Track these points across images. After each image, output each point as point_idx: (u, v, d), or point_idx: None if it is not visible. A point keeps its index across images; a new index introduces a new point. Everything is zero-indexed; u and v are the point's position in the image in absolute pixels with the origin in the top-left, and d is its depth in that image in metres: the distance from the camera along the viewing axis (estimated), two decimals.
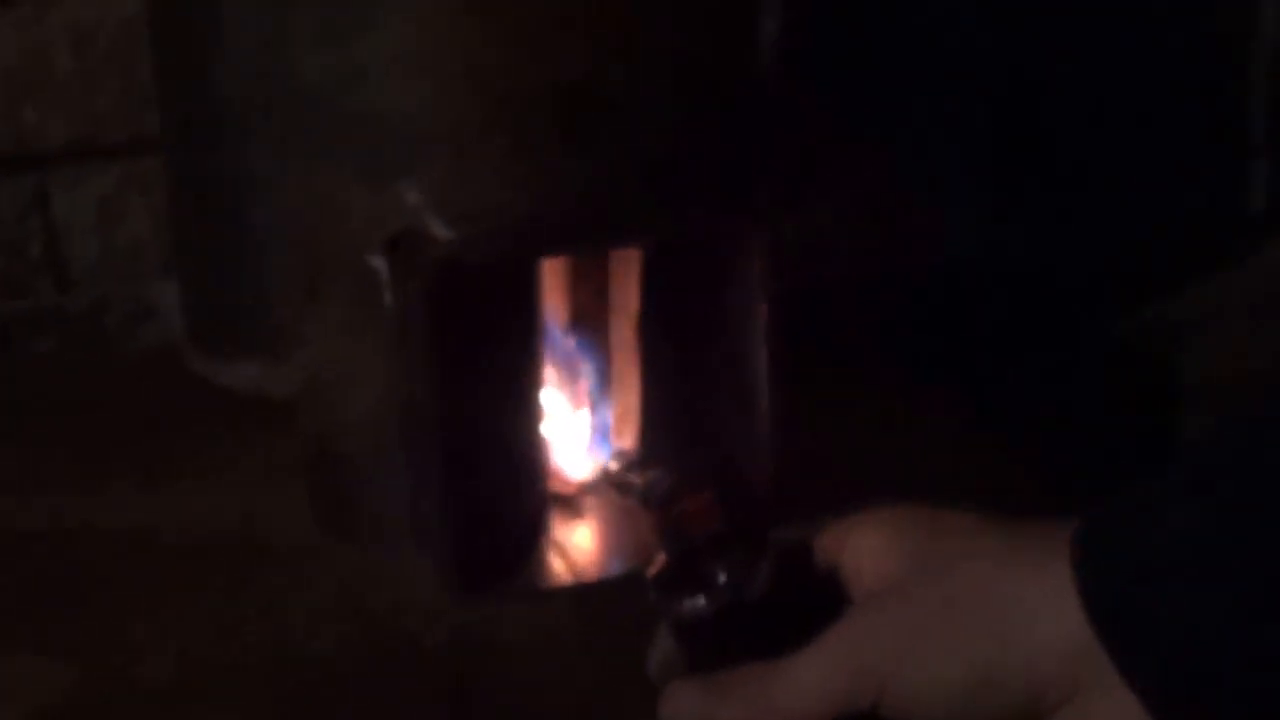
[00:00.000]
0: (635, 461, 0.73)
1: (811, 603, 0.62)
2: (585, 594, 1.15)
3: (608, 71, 1.03)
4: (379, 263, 1.05)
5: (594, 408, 1.20)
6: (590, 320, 1.19)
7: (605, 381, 1.19)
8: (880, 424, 1.37)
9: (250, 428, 1.34)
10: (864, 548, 0.64)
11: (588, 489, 1.21)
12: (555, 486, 1.21)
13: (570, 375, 1.20)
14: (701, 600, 0.63)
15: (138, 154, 1.65)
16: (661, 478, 0.68)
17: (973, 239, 1.67)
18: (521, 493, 1.13)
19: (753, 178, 1.12)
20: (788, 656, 0.61)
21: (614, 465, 0.77)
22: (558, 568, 1.17)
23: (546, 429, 1.16)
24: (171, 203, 1.34)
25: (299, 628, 1.12)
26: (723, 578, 0.63)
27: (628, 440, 1.20)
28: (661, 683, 0.66)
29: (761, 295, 1.14)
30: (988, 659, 0.57)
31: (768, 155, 1.13)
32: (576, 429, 1.21)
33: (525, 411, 1.12)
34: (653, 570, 0.65)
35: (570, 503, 1.22)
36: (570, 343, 1.19)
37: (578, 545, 1.19)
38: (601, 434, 1.20)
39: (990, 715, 0.57)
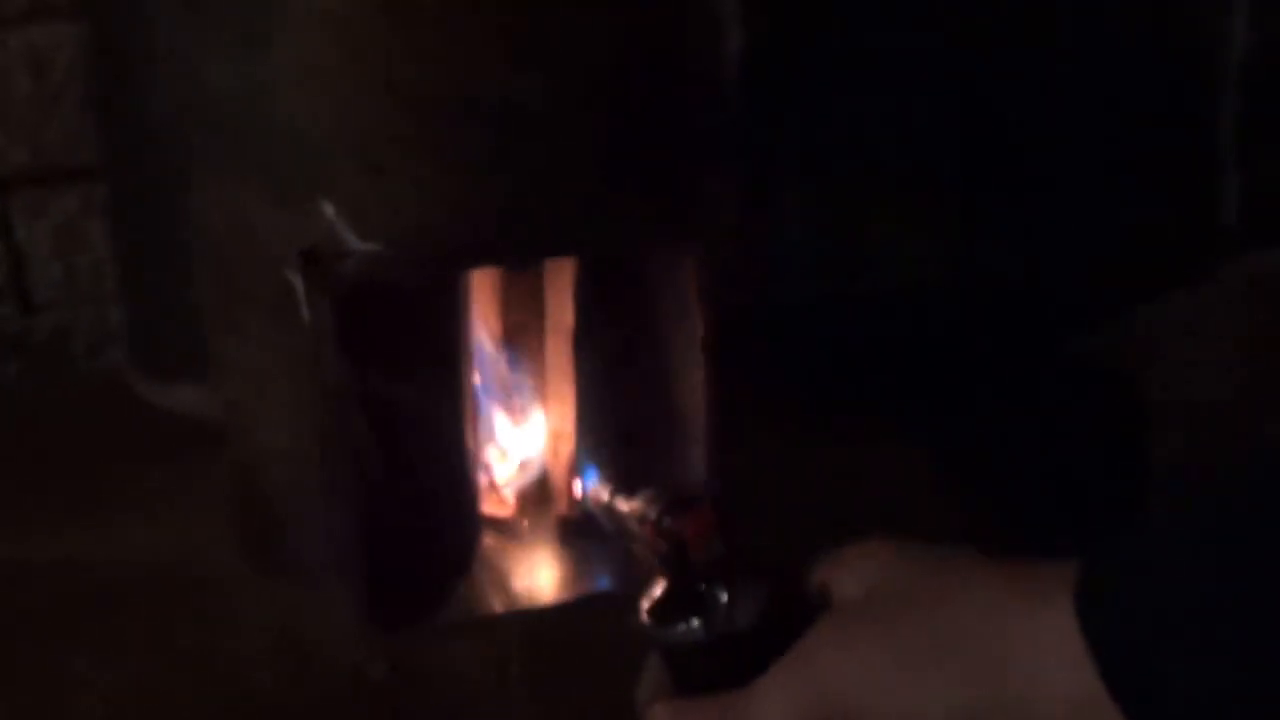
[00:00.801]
0: (622, 486, 0.69)
1: (804, 627, 0.58)
2: (533, 622, 1.10)
3: (528, 84, 0.99)
4: (294, 278, 1.01)
5: (555, 436, 1.16)
6: (524, 337, 1.16)
7: (540, 399, 1.15)
8: (839, 450, 1.33)
9: (191, 456, 1.29)
10: (857, 573, 0.60)
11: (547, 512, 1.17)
12: (491, 510, 1.17)
13: (504, 393, 1.16)
14: (698, 624, 0.59)
15: (97, 178, 1.62)
16: (657, 499, 0.65)
17: (937, 258, 1.63)
18: (449, 519, 1.10)
19: (685, 195, 1.08)
20: (755, 682, 0.57)
21: (601, 490, 0.72)
22: (493, 596, 1.12)
23: (478, 450, 1.13)
24: (113, 227, 1.31)
25: (237, 662, 1.08)
26: (722, 601, 0.59)
27: (562, 458, 1.16)
28: (644, 709, 0.62)
29: (698, 314, 1.10)
30: (979, 701, 0.53)
31: (703, 173, 1.09)
32: (513, 448, 1.17)
33: (452, 433, 1.08)
34: (649, 596, 0.61)
35: (507, 526, 1.18)
36: (503, 360, 1.15)
37: (517, 571, 1.16)
38: (582, 459, 1.16)
39: None
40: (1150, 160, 1.66)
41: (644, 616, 0.61)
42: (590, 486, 0.75)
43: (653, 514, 0.64)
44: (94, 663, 1.08)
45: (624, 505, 0.67)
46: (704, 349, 1.11)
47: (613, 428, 1.15)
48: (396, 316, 1.04)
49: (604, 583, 1.13)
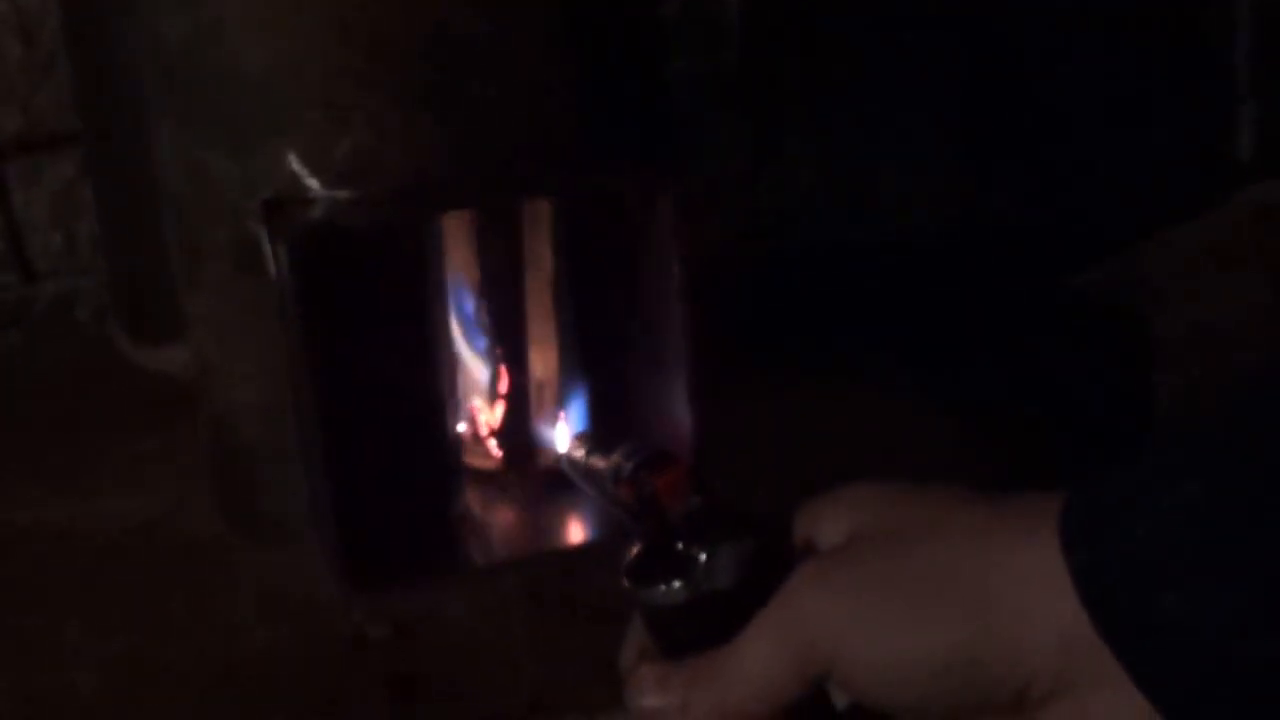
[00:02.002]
0: (598, 443, 0.66)
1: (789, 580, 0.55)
2: (529, 573, 1.07)
3: (488, 19, 0.95)
4: (257, 228, 0.97)
5: (539, 385, 1.12)
6: (503, 284, 1.11)
7: (521, 346, 1.11)
8: (845, 396, 1.29)
9: (180, 419, 1.24)
10: (840, 520, 0.56)
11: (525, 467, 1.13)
12: (475, 462, 1.12)
13: (484, 343, 1.11)
14: (678, 585, 0.55)
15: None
16: (631, 456, 0.62)
17: (944, 202, 1.59)
18: (428, 473, 1.06)
19: (662, 135, 1.04)
20: (739, 636, 0.54)
21: (576, 448, 0.68)
22: (479, 549, 1.09)
23: (459, 402, 1.08)
24: (94, 189, 1.28)
25: (231, 626, 1.05)
26: (701, 559, 0.55)
27: (546, 406, 1.12)
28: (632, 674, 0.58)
29: (677, 258, 1.05)
30: (967, 641, 0.50)
31: (681, 111, 1.04)
32: (494, 399, 1.13)
33: (428, 384, 1.04)
34: (628, 556, 0.57)
35: (492, 479, 1.14)
36: (482, 308, 1.11)
37: (503, 523, 1.12)
38: (559, 414, 1.12)
39: (963, 703, 0.51)
40: (1164, 94, 1.61)
41: (622, 577, 0.57)
42: (563, 444, 0.72)
43: (626, 471, 0.61)
44: (86, 630, 1.06)
45: (598, 463, 0.64)
46: (683, 294, 1.06)
47: (595, 376, 1.10)
48: (366, 265, 0.99)
49: (595, 533, 1.09)
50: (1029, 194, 1.61)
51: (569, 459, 0.69)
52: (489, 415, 1.13)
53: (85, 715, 0.99)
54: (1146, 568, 0.47)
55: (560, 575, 1.06)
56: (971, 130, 1.62)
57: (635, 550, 0.57)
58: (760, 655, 0.53)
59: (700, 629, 0.55)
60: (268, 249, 0.98)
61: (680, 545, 0.55)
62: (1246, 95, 1.61)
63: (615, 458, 0.62)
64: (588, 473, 0.65)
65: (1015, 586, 0.49)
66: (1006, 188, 1.61)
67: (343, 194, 0.95)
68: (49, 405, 1.39)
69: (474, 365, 1.12)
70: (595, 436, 0.67)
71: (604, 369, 1.10)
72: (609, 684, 0.59)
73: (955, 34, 1.60)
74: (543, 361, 1.12)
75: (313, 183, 0.95)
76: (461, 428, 1.10)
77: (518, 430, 1.13)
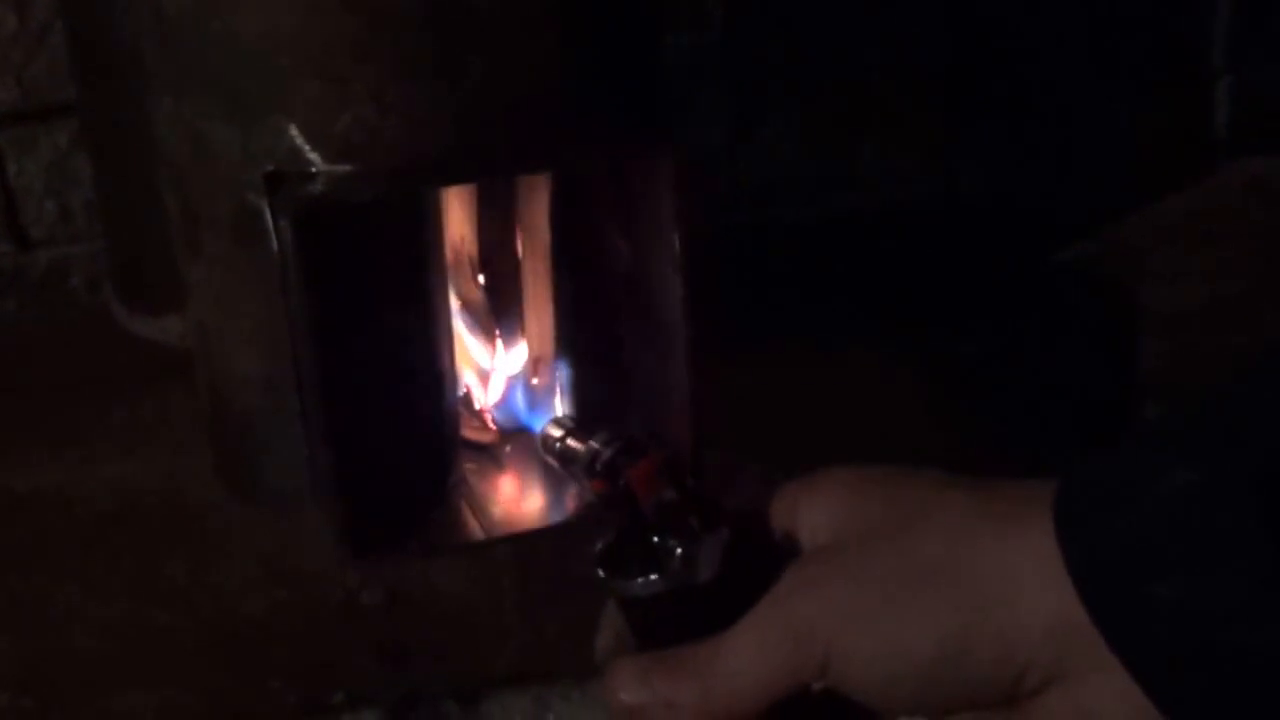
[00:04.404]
0: (576, 427, 0.64)
1: (768, 570, 0.52)
2: (523, 546, 1.05)
3: None
4: (258, 200, 0.94)
5: (535, 358, 1.09)
6: (502, 257, 1.08)
7: (519, 321, 1.08)
8: (826, 370, 1.27)
9: (176, 387, 1.22)
10: (819, 509, 0.53)
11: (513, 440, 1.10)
12: (472, 435, 1.10)
13: (482, 316, 1.09)
14: (655, 577, 0.53)
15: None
16: (609, 444, 0.59)
17: (925, 175, 1.56)
18: (426, 444, 1.03)
19: (659, 107, 1.01)
20: (725, 632, 0.51)
21: (553, 432, 0.66)
22: (476, 521, 1.06)
23: (457, 375, 1.06)
24: (91, 159, 1.25)
25: (228, 592, 1.03)
26: (677, 551, 0.53)
27: (542, 379, 1.09)
28: (607, 665, 0.56)
29: (677, 230, 1.02)
30: (958, 633, 0.48)
31: (676, 84, 1.01)
32: (492, 372, 1.10)
33: (427, 356, 1.02)
34: (599, 546, 0.55)
35: (490, 451, 1.11)
36: (480, 282, 1.08)
37: (500, 496, 1.09)
38: (539, 393, 1.09)
39: (956, 697, 0.49)
40: (1142, 68, 1.59)
41: (595, 567, 0.54)
42: (542, 429, 0.69)
43: (602, 458, 0.59)
44: (84, 595, 1.04)
45: (575, 447, 0.62)
46: (683, 266, 1.03)
47: (593, 348, 1.08)
48: (365, 237, 0.97)
49: (588, 506, 1.07)
50: (1008, 167, 1.59)
51: (545, 442, 0.67)
52: (486, 388, 1.11)
53: (83, 678, 0.97)
54: (1143, 554, 0.45)
55: (552, 546, 1.04)
56: (953, 104, 1.60)
57: (608, 539, 0.55)
58: (751, 653, 0.50)
59: (677, 621, 0.53)
60: (269, 222, 0.95)
61: (655, 536, 0.53)
62: (1224, 69, 1.59)
63: (592, 444, 0.60)
64: (564, 457, 0.63)
65: (1006, 575, 0.48)
66: (986, 161, 1.59)
67: (344, 168, 0.93)
68: (45, 373, 1.37)
69: (472, 338, 1.09)
70: (572, 420, 0.65)
71: (601, 341, 1.08)
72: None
73: (936, 7, 1.57)
74: (540, 334, 1.10)
75: (314, 156, 0.92)
76: (458, 400, 1.08)
77: (514, 403, 1.11)
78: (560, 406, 1.09)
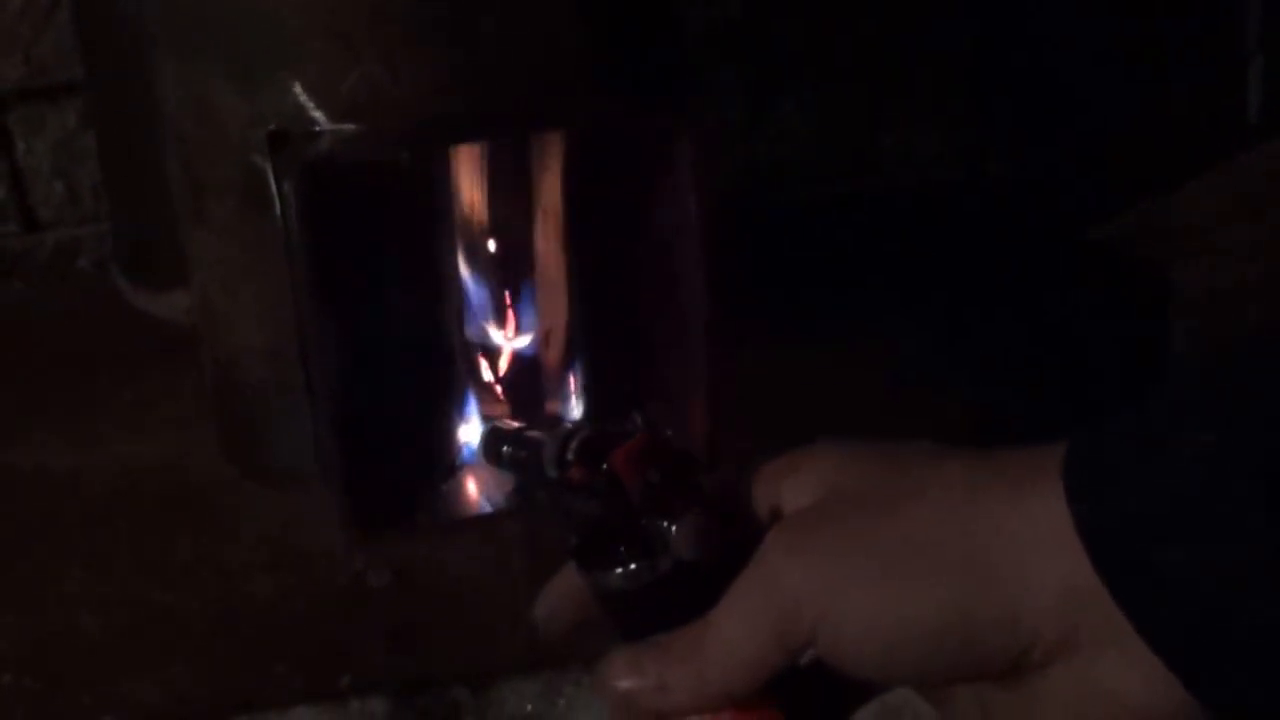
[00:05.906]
0: (521, 429, 0.56)
1: (753, 549, 0.49)
2: (533, 521, 1.01)
3: None
4: (262, 162, 0.90)
5: (547, 331, 1.05)
6: (514, 223, 1.04)
7: (530, 291, 1.04)
8: (842, 348, 1.23)
9: (183, 364, 1.19)
10: (803, 488, 0.50)
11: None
12: (483, 408, 1.06)
13: (493, 286, 1.05)
14: (640, 566, 0.49)
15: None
16: (582, 429, 0.53)
17: (949, 156, 1.53)
18: (435, 418, 0.99)
19: (671, 68, 0.97)
20: (712, 611, 0.48)
21: (497, 439, 0.57)
22: (484, 496, 1.03)
23: (467, 346, 1.02)
24: (97, 136, 1.22)
25: (235, 572, 1.01)
26: (669, 534, 0.49)
27: (554, 352, 1.05)
28: (550, 633, 0.53)
29: (693, 197, 0.98)
30: (960, 601, 0.45)
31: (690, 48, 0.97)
32: (503, 344, 1.06)
33: (435, 328, 0.98)
34: (576, 535, 0.50)
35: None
36: (491, 250, 1.04)
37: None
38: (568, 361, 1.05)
39: (957, 669, 0.46)
40: (1173, 49, 1.55)
41: (579, 561, 0.50)
42: (484, 430, 0.63)
43: (579, 439, 0.52)
44: (89, 573, 1.02)
45: (537, 437, 0.53)
46: (699, 233, 0.99)
47: (607, 320, 1.03)
48: (372, 201, 0.93)
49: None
50: (1031, 148, 1.55)
51: (489, 443, 0.58)
52: (496, 361, 1.07)
53: (88, 657, 0.95)
54: (1158, 519, 0.42)
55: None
56: (976, 84, 1.56)
57: (584, 529, 0.50)
58: (738, 627, 0.48)
59: (664, 608, 0.50)
60: (273, 184, 0.91)
61: (638, 521, 0.49)
62: (1256, 49, 1.56)
63: (557, 433, 0.53)
64: (518, 454, 0.55)
65: (1012, 540, 0.44)
66: (1009, 141, 1.55)
67: (349, 127, 0.89)
68: (52, 352, 1.35)
69: (482, 308, 1.05)
70: (512, 426, 0.58)
71: (616, 314, 1.03)
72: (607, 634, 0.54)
73: None
74: (552, 306, 1.06)
75: (318, 114, 0.89)
76: (469, 373, 1.04)
77: (524, 376, 1.07)
78: (572, 380, 1.05)
